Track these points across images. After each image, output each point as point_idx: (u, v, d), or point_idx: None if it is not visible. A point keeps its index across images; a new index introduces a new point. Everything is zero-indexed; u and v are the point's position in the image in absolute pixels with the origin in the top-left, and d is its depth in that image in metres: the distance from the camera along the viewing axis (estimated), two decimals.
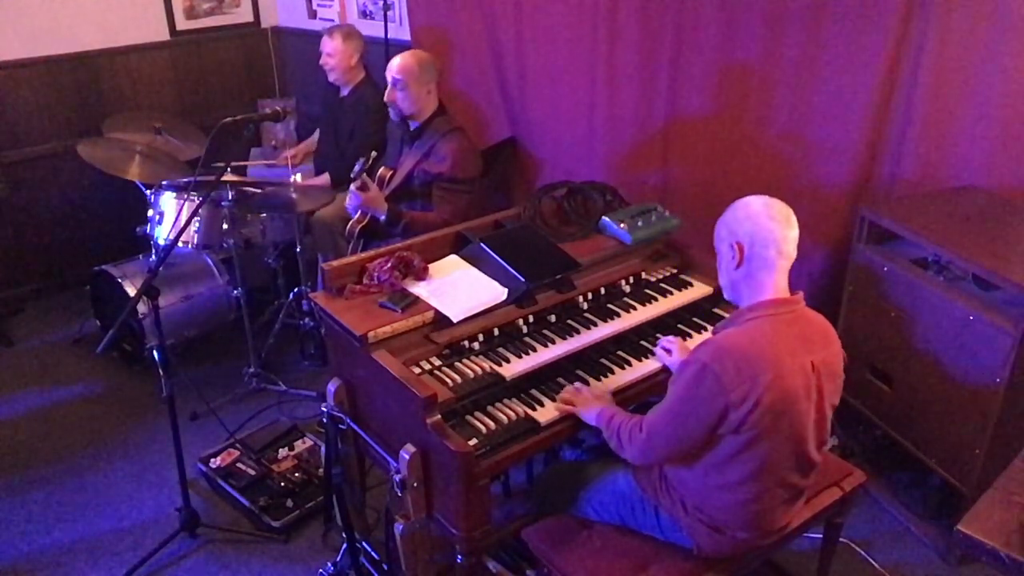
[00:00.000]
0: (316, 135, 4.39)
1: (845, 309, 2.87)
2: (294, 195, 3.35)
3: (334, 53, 3.87)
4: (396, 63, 3.15)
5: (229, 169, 2.71)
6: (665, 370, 2.29)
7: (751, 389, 1.74)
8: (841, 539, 2.44)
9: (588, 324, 2.40)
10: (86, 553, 2.79)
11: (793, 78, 2.94)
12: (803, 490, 2.00)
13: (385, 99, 3.21)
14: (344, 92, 4.02)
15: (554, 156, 3.76)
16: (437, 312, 2.23)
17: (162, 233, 3.44)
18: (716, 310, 2.57)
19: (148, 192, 3.56)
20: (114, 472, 3.17)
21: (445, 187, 3.12)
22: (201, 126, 4.23)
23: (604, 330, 2.38)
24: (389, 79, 3.16)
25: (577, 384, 2.19)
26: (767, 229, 1.84)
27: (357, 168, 2.98)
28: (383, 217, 3.06)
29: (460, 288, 2.33)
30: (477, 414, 2.10)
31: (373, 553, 2.59)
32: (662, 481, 1.99)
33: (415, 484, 2.05)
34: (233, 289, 3.71)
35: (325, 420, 2.35)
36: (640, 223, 2.65)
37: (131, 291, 3.50)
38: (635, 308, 2.49)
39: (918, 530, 2.75)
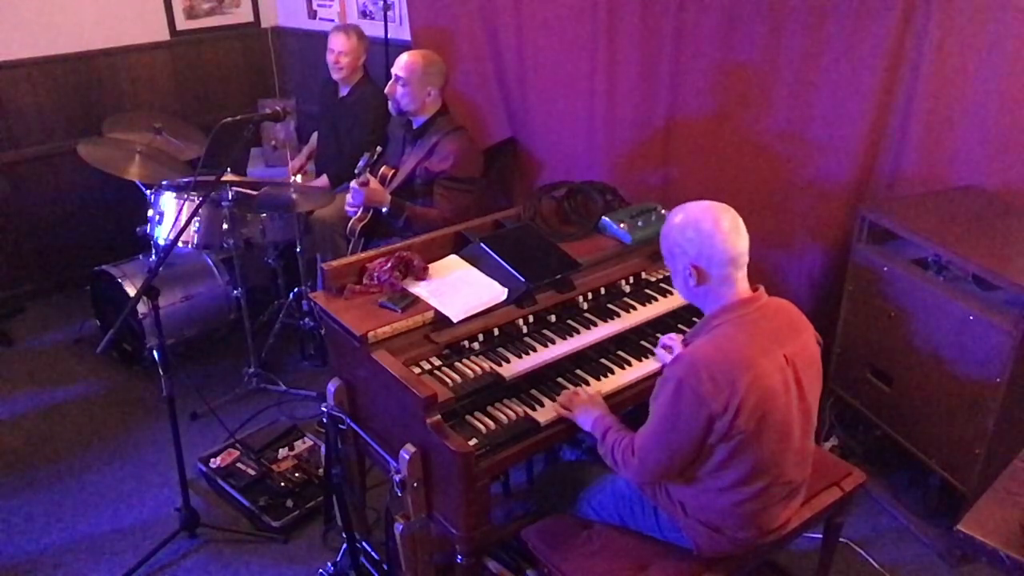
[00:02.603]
0: (314, 138, 4.39)
1: (845, 309, 2.87)
2: (294, 195, 3.35)
3: (348, 52, 3.86)
4: (403, 60, 3.16)
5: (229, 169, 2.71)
6: None
7: (731, 395, 1.74)
8: (841, 539, 2.44)
9: (588, 324, 2.40)
10: (86, 553, 2.79)
11: (793, 78, 2.95)
12: (800, 485, 2.00)
13: (386, 91, 3.20)
14: (344, 91, 4.02)
15: (554, 156, 3.76)
16: (437, 312, 2.23)
17: (162, 233, 3.44)
18: None
19: (148, 192, 3.56)
20: (114, 472, 3.17)
21: (447, 185, 3.12)
22: (201, 126, 4.23)
23: (604, 330, 2.38)
24: (393, 74, 3.16)
25: (575, 388, 2.19)
26: (721, 250, 1.82)
27: (362, 163, 2.98)
28: (386, 209, 3.06)
29: (460, 288, 2.33)
30: (477, 414, 2.10)
31: (373, 553, 2.59)
32: (661, 484, 1.99)
33: (415, 484, 2.05)
34: (233, 289, 3.72)
35: (325, 420, 2.35)
36: (640, 223, 2.65)
37: (131, 291, 3.50)
38: (635, 308, 2.49)
39: (918, 530, 2.75)
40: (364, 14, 4.49)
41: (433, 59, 3.18)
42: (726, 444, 1.80)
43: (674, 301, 2.53)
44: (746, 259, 1.88)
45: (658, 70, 3.26)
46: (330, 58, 3.92)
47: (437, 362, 2.18)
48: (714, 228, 1.83)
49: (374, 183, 3.06)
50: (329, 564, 2.61)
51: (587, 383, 2.24)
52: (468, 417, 2.08)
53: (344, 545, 2.55)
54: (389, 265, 2.33)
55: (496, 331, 2.29)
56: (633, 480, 1.97)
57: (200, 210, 3.16)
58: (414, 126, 3.25)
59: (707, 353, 1.80)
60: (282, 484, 2.95)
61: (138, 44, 4.52)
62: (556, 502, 2.22)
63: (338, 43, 3.87)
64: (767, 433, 1.81)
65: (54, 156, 4.34)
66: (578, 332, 2.36)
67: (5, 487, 3.10)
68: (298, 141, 4.63)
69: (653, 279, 2.63)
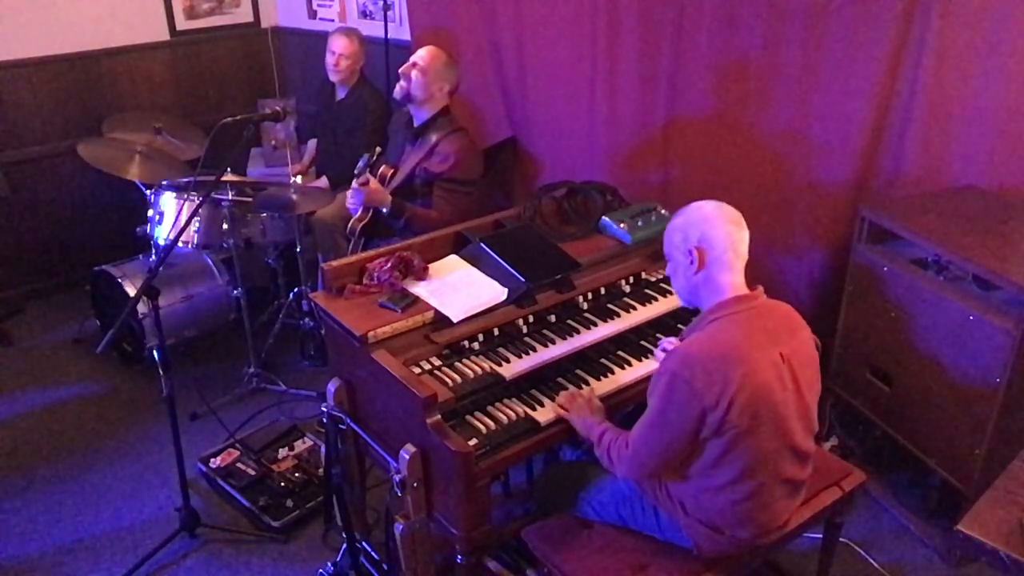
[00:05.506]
0: (311, 144, 4.38)
1: (845, 309, 2.87)
2: (294, 195, 3.35)
3: (349, 55, 3.87)
4: (425, 50, 3.17)
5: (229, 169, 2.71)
6: None
7: (723, 390, 1.75)
8: (841, 539, 2.44)
9: (588, 324, 2.40)
10: (86, 553, 2.79)
11: (794, 77, 2.95)
12: (801, 482, 2.00)
13: (400, 71, 3.18)
14: (342, 94, 4.02)
15: (554, 156, 3.76)
16: (437, 312, 2.23)
17: (162, 233, 3.43)
18: None
19: (148, 192, 3.56)
20: (114, 472, 3.17)
21: (446, 188, 3.12)
22: (201, 126, 4.23)
23: (604, 330, 2.38)
24: (412, 60, 3.16)
25: (575, 391, 2.19)
26: (724, 232, 1.89)
27: (361, 164, 2.98)
28: (386, 209, 3.06)
29: (460, 288, 2.33)
30: (477, 414, 2.10)
31: (373, 553, 2.59)
32: (661, 483, 1.99)
33: (415, 484, 2.05)
34: (233, 289, 3.72)
35: (325, 420, 2.35)
36: (640, 223, 2.65)
37: (131, 291, 3.50)
38: (635, 308, 2.49)
39: (918, 530, 2.75)
40: (364, 14, 4.49)
41: (453, 60, 3.21)
42: (719, 439, 1.80)
43: (674, 301, 2.53)
44: (746, 253, 1.92)
45: (658, 70, 3.26)
46: (329, 59, 3.92)
47: (437, 362, 2.18)
48: (716, 213, 1.91)
49: (374, 183, 3.06)
50: (329, 564, 2.61)
51: (587, 383, 2.24)
52: (468, 417, 2.08)
53: (344, 545, 2.56)
54: (389, 265, 2.33)
55: (496, 331, 2.29)
56: (625, 475, 1.98)
57: (200, 210, 3.16)
58: (415, 124, 3.25)
59: (701, 348, 1.82)
60: (282, 484, 2.95)
61: (138, 44, 4.52)
62: (556, 502, 2.22)
63: (339, 45, 3.87)
64: (762, 430, 1.81)
65: (54, 156, 4.34)
66: (578, 332, 2.36)
67: (5, 487, 3.10)
68: (298, 141, 4.63)
69: (653, 279, 2.63)
